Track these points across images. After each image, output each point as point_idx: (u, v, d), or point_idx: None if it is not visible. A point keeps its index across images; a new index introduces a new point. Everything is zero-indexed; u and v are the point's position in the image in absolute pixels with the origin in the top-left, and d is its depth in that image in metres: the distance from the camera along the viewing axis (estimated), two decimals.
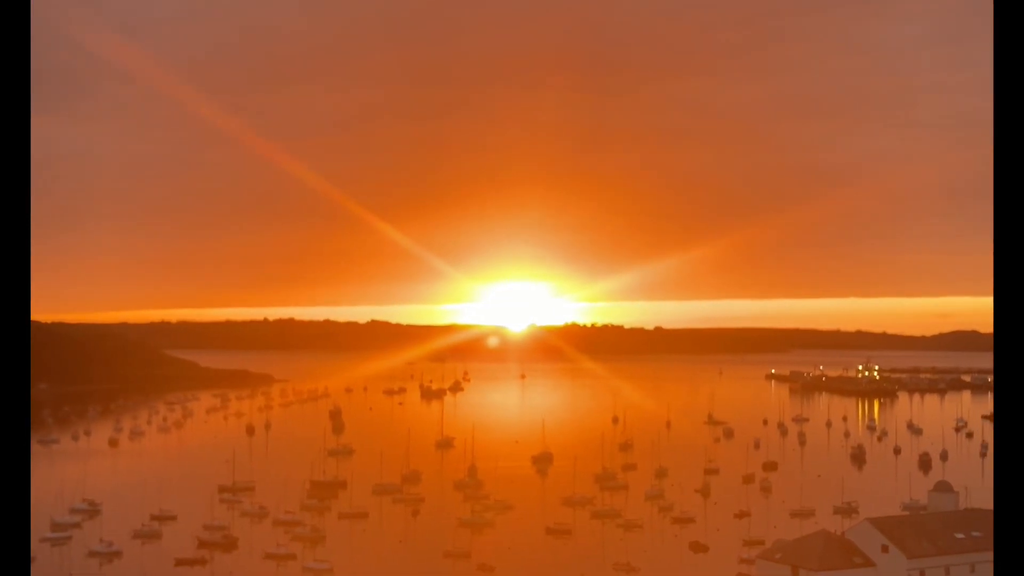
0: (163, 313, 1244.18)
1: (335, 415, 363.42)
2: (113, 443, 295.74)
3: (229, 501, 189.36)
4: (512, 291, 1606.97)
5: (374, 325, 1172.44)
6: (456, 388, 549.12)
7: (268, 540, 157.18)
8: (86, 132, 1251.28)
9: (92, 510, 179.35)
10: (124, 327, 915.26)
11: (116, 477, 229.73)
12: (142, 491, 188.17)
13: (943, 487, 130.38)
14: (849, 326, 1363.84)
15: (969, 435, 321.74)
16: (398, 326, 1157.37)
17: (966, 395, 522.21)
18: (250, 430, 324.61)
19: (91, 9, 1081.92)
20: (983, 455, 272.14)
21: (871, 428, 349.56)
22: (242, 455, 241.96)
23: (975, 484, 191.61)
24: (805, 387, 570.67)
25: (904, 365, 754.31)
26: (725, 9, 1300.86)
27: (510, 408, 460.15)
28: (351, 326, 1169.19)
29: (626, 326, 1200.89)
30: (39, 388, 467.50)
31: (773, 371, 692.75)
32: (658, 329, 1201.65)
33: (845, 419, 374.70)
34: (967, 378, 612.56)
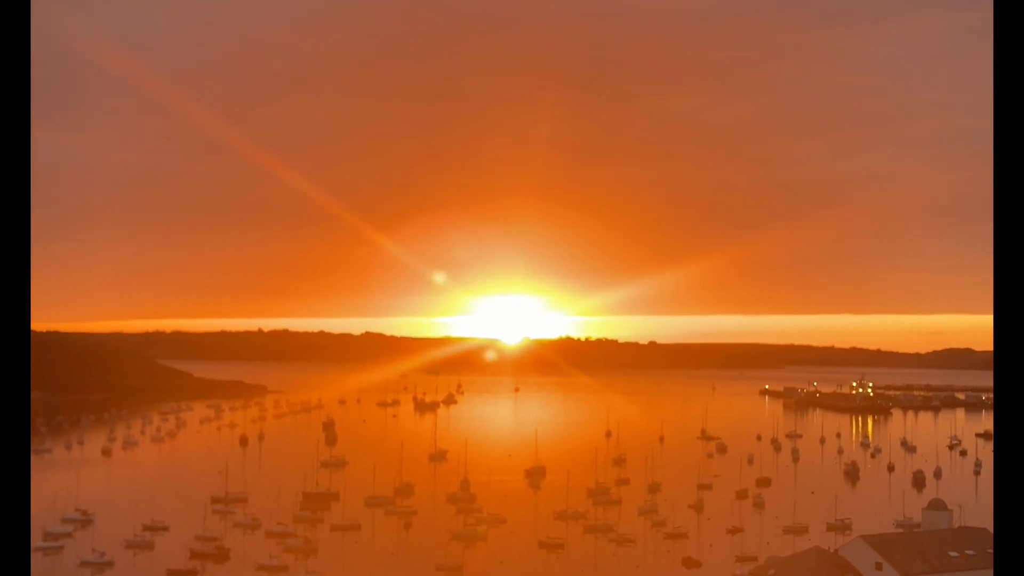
0: (157, 323, 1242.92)
1: (328, 427, 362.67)
2: (106, 453, 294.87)
3: (222, 512, 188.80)
4: (506, 304, 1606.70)
5: (368, 337, 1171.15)
6: (450, 401, 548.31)
7: (260, 551, 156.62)
8: (82, 141, 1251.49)
9: (84, 520, 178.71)
10: (118, 337, 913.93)
11: (109, 487, 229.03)
12: (135, 501, 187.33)
13: (937, 505, 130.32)
14: (843, 343, 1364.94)
15: (963, 453, 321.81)
16: (392, 338, 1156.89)
17: (960, 413, 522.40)
18: (243, 441, 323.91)
19: (88, 19, 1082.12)
20: (977, 473, 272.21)
21: (865, 445, 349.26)
22: (235, 466, 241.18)
23: (969, 502, 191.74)
24: (799, 403, 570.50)
25: (898, 382, 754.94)
26: (720, 26, 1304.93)
27: (503, 421, 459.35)
28: (345, 337, 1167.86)
29: (620, 340, 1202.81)
30: (33, 397, 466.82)
31: (767, 387, 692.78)
32: (652, 344, 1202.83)
33: (839, 436, 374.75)
34: (961, 396, 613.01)
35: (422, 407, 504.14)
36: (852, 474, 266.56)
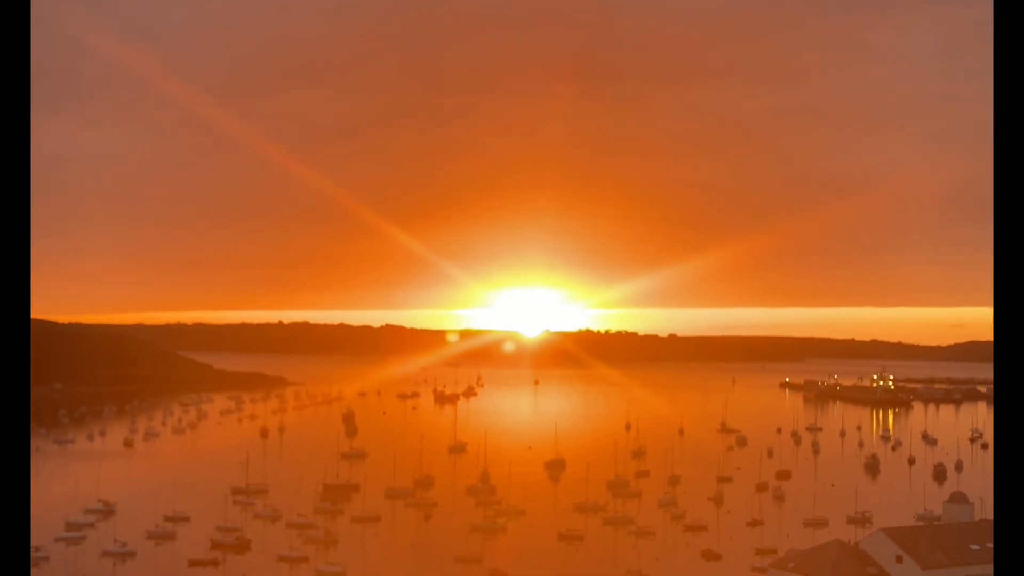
0: (178, 315, 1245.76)
1: (348, 419, 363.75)
2: (128, 444, 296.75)
3: (242, 503, 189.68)
4: (526, 297, 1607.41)
5: (388, 329, 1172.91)
6: (469, 393, 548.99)
7: (281, 542, 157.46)
8: (100, 135, 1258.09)
9: (106, 510, 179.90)
10: (140, 328, 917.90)
11: (130, 478, 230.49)
12: (156, 492, 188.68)
13: (958, 498, 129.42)
14: (864, 335, 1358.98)
15: (984, 446, 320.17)
16: (412, 330, 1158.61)
17: (981, 406, 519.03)
18: (264, 432, 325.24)
19: (101, 13, 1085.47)
20: None
21: (885, 438, 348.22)
22: (256, 457, 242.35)
23: (990, 495, 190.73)
24: (819, 396, 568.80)
25: (919, 375, 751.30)
26: (737, 19, 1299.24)
27: (523, 414, 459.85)
28: (365, 330, 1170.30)
29: (640, 333, 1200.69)
30: (54, 388, 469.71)
31: (787, 380, 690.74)
32: (672, 336, 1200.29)
33: (859, 428, 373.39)
34: (983, 389, 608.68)
35: (442, 399, 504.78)
36: (872, 467, 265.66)
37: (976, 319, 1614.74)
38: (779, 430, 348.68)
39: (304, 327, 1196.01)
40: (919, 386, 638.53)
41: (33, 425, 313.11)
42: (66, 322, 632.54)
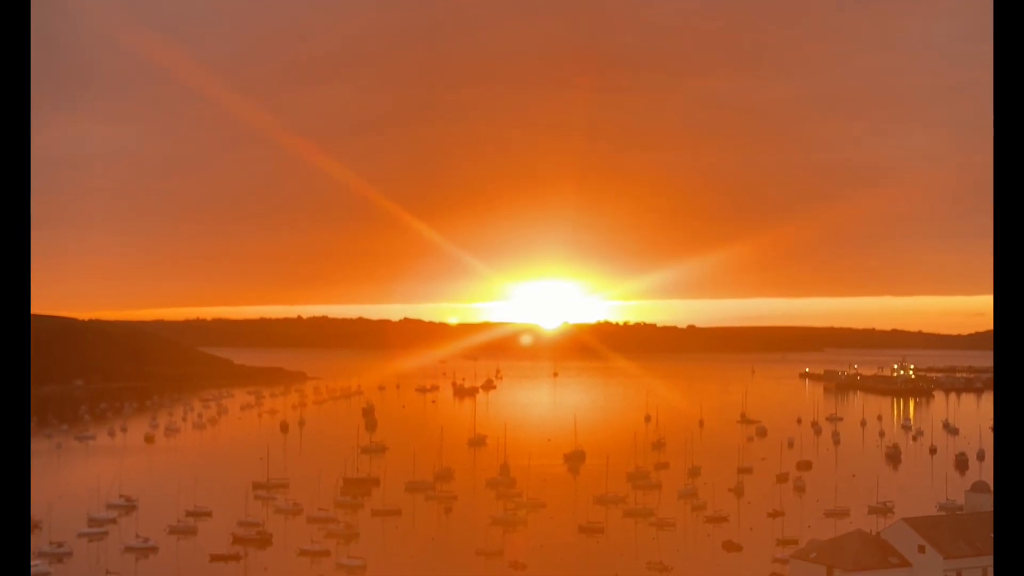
0: (198, 311, 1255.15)
1: (368, 412, 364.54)
2: (149, 439, 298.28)
3: (263, 498, 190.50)
4: (544, 289, 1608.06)
5: (407, 323, 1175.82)
6: (489, 386, 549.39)
7: (302, 536, 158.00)
8: (124, 131, 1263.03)
9: (128, 506, 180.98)
10: (159, 324, 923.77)
11: (152, 473, 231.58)
12: (177, 487, 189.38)
13: (980, 487, 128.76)
14: (884, 325, 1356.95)
15: None
16: (431, 324, 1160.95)
17: None
18: (284, 427, 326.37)
19: (120, 8, 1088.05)
20: None
21: (906, 427, 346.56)
22: (276, 452, 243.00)
23: None
24: (839, 386, 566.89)
25: (940, 364, 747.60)
26: (760, 7, 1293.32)
27: (542, 406, 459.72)
28: (384, 324, 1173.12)
29: (659, 324, 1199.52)
30: (75, 385, 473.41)
31: (807, 370, 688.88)
32: (691, 327, 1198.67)
33: (880, 418, 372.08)
34: None
35: (461, 392, 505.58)
36: (894, 457, 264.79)
37: None
38: (799, 420, 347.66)
39: (323, 321, 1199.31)
40: (940, 375, 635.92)
41: (54, 421, 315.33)
42: (86, 319, 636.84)
